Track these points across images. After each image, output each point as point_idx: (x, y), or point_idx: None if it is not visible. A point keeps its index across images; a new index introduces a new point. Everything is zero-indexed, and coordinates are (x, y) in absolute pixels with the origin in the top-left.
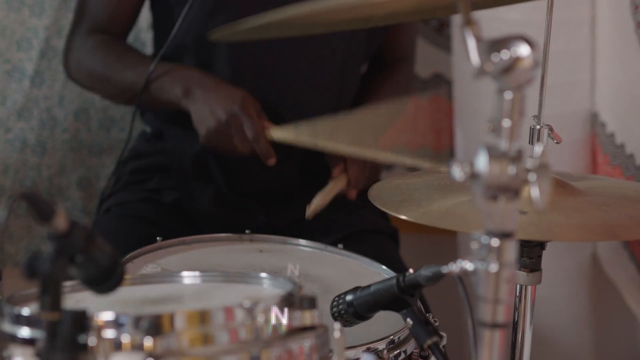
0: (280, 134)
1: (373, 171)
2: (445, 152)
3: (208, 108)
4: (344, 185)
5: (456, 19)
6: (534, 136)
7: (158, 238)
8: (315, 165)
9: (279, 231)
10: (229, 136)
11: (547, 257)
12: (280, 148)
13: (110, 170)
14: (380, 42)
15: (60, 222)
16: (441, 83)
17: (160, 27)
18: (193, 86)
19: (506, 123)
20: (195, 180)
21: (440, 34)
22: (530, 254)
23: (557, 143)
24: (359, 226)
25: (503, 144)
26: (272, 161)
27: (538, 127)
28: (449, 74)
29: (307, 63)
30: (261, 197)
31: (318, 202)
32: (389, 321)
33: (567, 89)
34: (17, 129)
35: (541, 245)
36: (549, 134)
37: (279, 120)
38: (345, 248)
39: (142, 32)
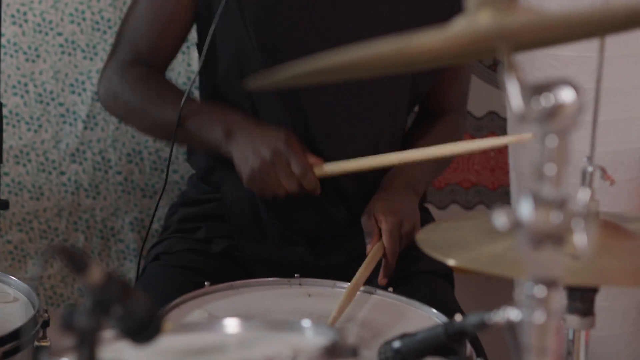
0: (326, 168)
1: (408, 237)
2: (500, 190)
3: (251, 148)
4: (381, 254)
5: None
6: (585, 178)
7: (206, 283)
8: (362, 206)
9: (328, 274)
10: (274, 175)
11: (603, 297)
12: (328, 189)
13: (163, 211)
14: (425, 91)
15: (95, 275)
16: (496, 121)
17: (205, 65)
18: (234, 128)
19: (550, 169)
20: (246, 224)
21: (495, 72)
22: (583, 299)
23: (611, 185)
24: (411, 268)
25: (548, 191)
26: (317, 192)
27: (590, 169)
28: (504, 112)
29: (346, 110)
30: (310, 238)
31: (358, 277)
32: None
33: (623, 127)
34: (71, 172)
35: (594, 289)
36: (601, 175)
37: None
38: (399, 290)
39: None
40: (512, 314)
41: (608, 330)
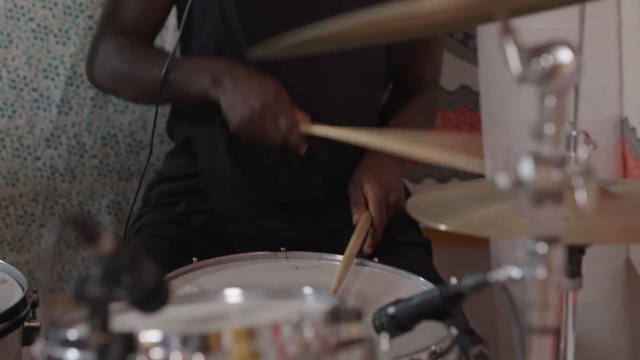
0: (312, 128)
1: (394, 207)
2: None
3: (240, 97)
4: (369, 224)
5: (482, 30)
6: (570, 143)
7: (194, 259)
8: (339, 177)
9: (311, 247)
10: (262, 126)
11: None
12: (308, 161)
13: (140, 194)
14: (400, 65)
15: (106, 244)
16: (468, 95)
17: (184, 34)
18: (222, 75)
19: (550, 128)
20: (224, 195)
21: (466, 46)
22: (571, 259)
23: (594, 149)
24: (392, 239)
25: (547, 150)
26: (302, 150)
27: (574, 133)
28: (476, 86)
29: (324, 79)
30: (288, 210)
31: (352, 247)
32: (430, 331)
33: (596, 96)
34: (46, 157)
35: (581, 250)
36: (585, 139)
37: None
38: (383, 261)
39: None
40: (513, 271)
41: (585, 297)
